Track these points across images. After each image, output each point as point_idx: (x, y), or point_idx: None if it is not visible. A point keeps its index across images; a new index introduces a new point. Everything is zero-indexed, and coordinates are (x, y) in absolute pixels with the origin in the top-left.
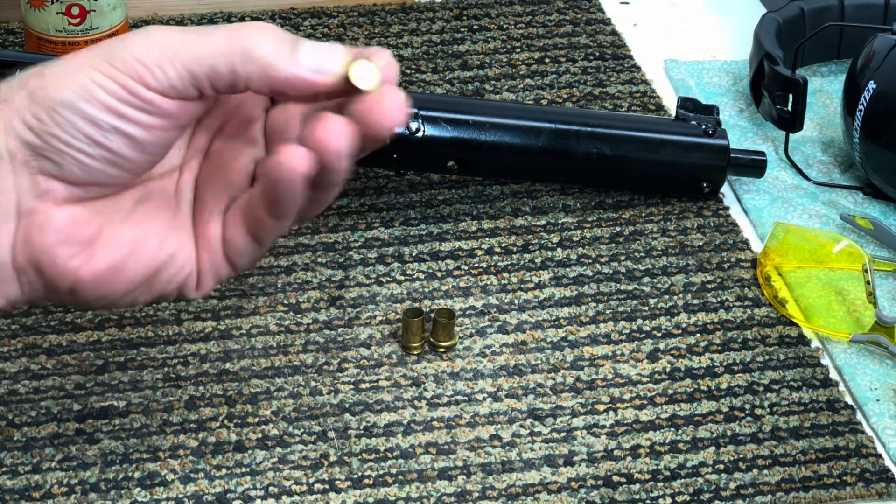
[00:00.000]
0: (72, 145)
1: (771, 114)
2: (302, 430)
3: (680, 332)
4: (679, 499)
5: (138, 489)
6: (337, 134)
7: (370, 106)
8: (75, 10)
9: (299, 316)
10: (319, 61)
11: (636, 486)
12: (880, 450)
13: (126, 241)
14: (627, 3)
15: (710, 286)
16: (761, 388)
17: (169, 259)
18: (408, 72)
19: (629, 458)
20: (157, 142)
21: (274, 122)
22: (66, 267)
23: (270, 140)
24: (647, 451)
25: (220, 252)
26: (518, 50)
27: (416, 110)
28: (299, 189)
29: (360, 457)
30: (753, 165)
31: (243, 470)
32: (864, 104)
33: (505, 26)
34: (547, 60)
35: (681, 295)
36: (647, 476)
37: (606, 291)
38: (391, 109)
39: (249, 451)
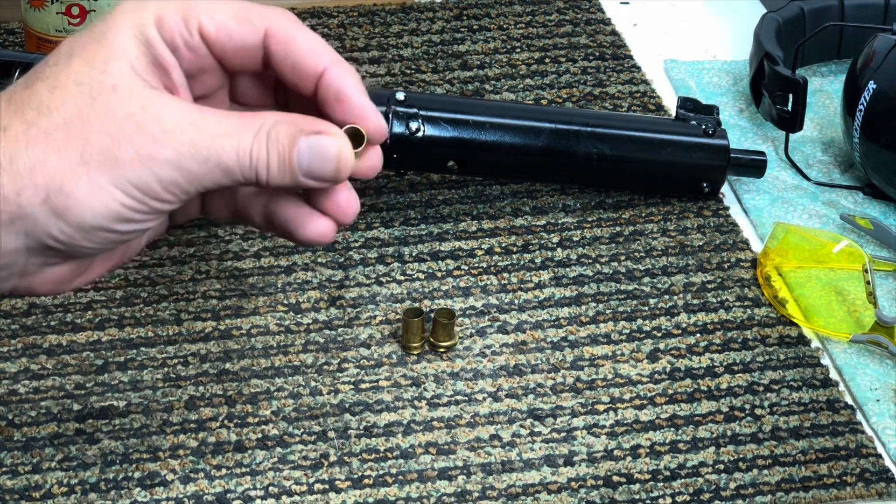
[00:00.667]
0: (97, 249)
1: (771, 114)
2: (302, 430)
3: (680, 332)
4: (679, 499)
5: (138, 489)
6: (353, 204)
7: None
8: (75, 10)
9: (299, 316)
10: (318, 174)
11: (636, 486)
12: (880, 450)
13: (115, 256)
14: (627, 3)
15: (710, 286)
16: (761, 388)
17: (147, 240)
18: (408, 72)
19: (629, 458)
20: (167, 226)
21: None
22: (64, 289)
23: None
24: (647, 451)
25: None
26: (518, 50)
27: (416, 110)
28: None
29: (360, 457)
30: (753, 165)
31: (243, 470)
32: (864, 104)
33: (505, 26)
34: (547, 60)
35: (681, 295)
36: (647, 476)
37: (606, 291)
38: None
39: (249, 451)
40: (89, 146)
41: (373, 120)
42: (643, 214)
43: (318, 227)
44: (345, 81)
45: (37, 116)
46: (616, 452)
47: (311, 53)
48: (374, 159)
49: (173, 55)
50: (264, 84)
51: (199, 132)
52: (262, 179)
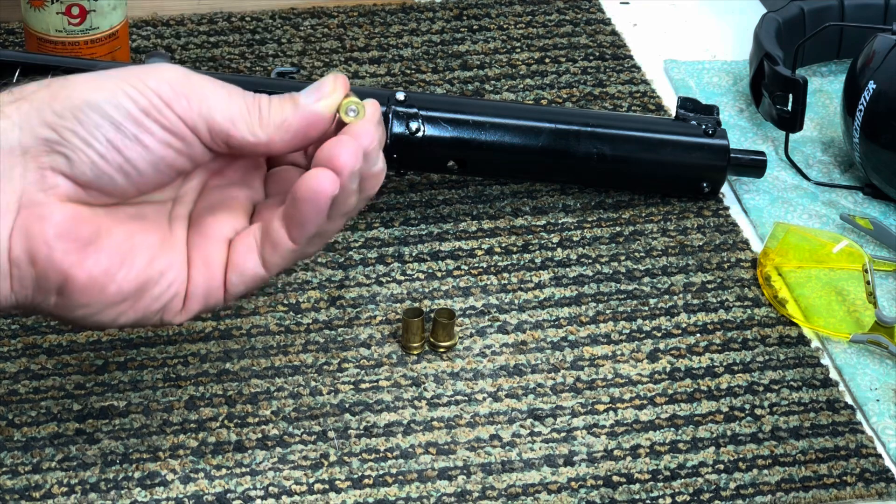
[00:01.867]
0: (90, 144)
1: (771, 114)
2: (302, 430)
3: (680, 332)
4: (679, 499)
5: (138, 489)
6: (347, 146)
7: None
8: (75, 10)
9: (299, 316)
10: (317, 94)
11: (636, 486)
12: (880, 450)
13: (120, 249)
14: (627, 3)
15: (710, 286)
16: (761, 388)
17: (159, 276)
18: (408, 72)
19: (629, 458)
20: (170, 163)
21: (275, 176)
22: (62, 261)
23: (271, 190)
24: (647, 451)
25: (219, 275)
26: (518, 50)
27: (416, 110)
28: (325, 210)
29: (360, 457)
30: (753, 165)
31: (243, 470)
32: (864, 104)
33: (505, 26)
34: (547, 60)
35: (681, 295)
36: (647, 476)
37: (606, 291)
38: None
39: (249, 451)
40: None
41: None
42: (643, 214)
43: (316, 176)
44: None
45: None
46: (616, 452)
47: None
48: (378, 164)
49: None
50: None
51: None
52: (265, 110)
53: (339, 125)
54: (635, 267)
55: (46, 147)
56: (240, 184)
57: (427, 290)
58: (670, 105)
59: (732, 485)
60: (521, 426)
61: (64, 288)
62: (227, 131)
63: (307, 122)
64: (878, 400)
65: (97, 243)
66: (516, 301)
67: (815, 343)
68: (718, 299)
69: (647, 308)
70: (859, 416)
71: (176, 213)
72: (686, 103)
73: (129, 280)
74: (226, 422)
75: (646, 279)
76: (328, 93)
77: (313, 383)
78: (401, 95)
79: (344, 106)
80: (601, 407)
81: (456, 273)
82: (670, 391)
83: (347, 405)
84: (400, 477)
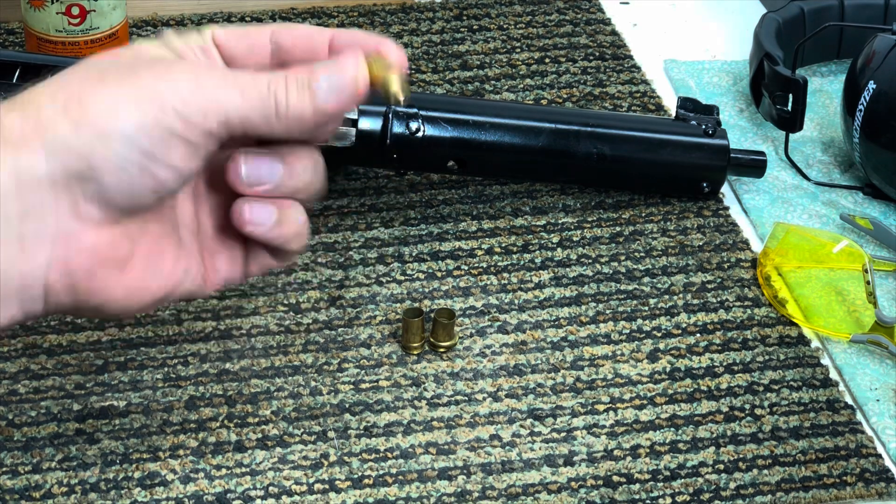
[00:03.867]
0: (123, 174)
1: (771, 114)
2: (302, 430)
3: (680, 332)
4: (679, 499)
5: (138, 489)
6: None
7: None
8: (75, 10)
9: (299, 316)
10: (339, 89)
11: (636, 486)
12: (880, 450)
13: (151, 258)
14: (627, 3)
15: (710, 286)
16: (761, 388)
17: (184, 274)
18: (408, 72)
19: (629, 458)
20: (194, 170)
21: None
22: (102, 287)
23: None
24: (647, 451)
25: (239, 262)
26: (518, 50)
27: (416, 110)
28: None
29: (360, 457)
30: (753, 165)
31: (243, 470)
32: (864, 104)
33: (505, 26)
34: (547, 60)
35: (681, 295)
36: (647, 476)
37: (606, 291)
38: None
39: (249, 451)
40: (109, 73)
41: (391, 44)
42: (643, 214)
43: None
44: (355, 33)
45: (54, 79)
46: (616, 452)
47: (317, 30)
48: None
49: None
50: None
51: (215, 65)
52: (282, 106)
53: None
54: (635, 267)
55: (77, 177)
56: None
57: (427, 290)
58: (670, 105)
59: (732, 485)
60: (521, 426)
61: (102, 306)
62: (245, 129)
63: (325, 120)
64: (878, 400)
65: (133, 258)
66: (516, 301)
67: (815, 343)
68: (718, 299)
69: (647, 308)
70: (859, 416)
71: (180, 212)
72: (686, 103)
73: (162, 287)
74: (226, 422)
75: (646, 279)
76: (349, 84)
77: (313, 383)
78: None
79: (384, 80)
80: (601, 407)
81: (456, 273)
82: (670, 391)
83: (347, 405)
84: (400, 477)
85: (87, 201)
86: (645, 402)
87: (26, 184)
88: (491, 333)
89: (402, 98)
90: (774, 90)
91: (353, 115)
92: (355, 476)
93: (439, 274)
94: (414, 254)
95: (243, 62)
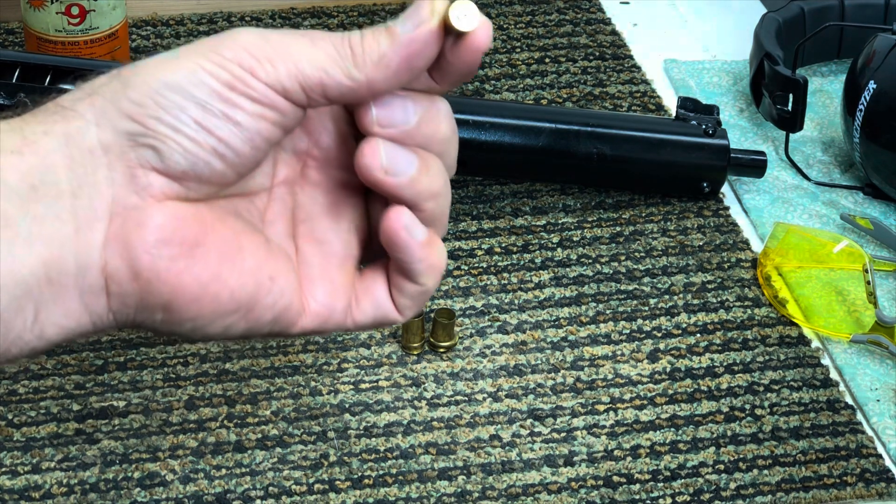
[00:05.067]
0: (178, 129)
1: (771, 114)
2: (302, 430)
3: (680, 332)
4: (679, 499)
5: (138, 489)
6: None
7: (469, 44)
8: (75, 10)
9: None
10: (415, 20)
11: (636, 487)
12: (880, 450)
13: (229, 250)
14: (627, 2)
15: (710, 286)
16: (761, 389)
17: (270, 282)
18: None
19: (629, 459)
20: (266, 136)
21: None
22: (168, 270)
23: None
24: (648, 451)
25: (345, 296)
26: (518, 50)
27: None
28: (414, 244)
29: (359, 457)
30: (753, 165)
31: (243, 470)
32: (865, 104)
33: (505, 26)
34: (547, 60)
35: (681, 295)
36: (648, 476)
37: (606, 291)
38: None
39: (249, 452)
40: (170, 55)
41: None
42: (643, 214)
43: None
44: None
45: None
46: (616, 453)
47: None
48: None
49: None
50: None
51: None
52: (357, 46)
53: (452, 34)
54: (635, 267)
55: (131, 141)
56: (342, 168)
57: None
58: (670, 105)
59: (733, 485)
60: (521, 426)
61: (172, 301)
62: (321, 80)
63: (409, 54)
64: (878, 400)
65: (205, 244)
66: (516, 301)
67: (815, 343)
68: (719, 299)
69: (647, 308)
70: (859, 417)
71: (270, 212)
72: (686, 103)
73: (242, 284)
74: (225, 422)
75: (646, 279)
76: (426, 17)
77: (313, 383)
78: None
79: (451, 14)
80: (601, 407)
81: (456, 273)
82: (670, 391)
83: (347, 405)
84: (400, 477)
85: (146, 170)
86: (645, 402)
87: (78, 153)
88: (491, 333)
89: (474, 24)
90: (775, 90)
91: None
92: (355, 476)
93: None
94: None
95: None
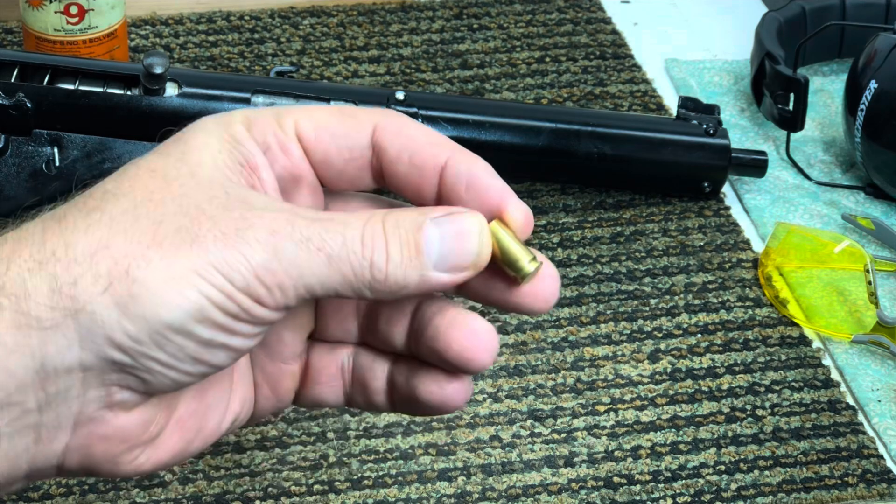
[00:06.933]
0: (173, 366)
1: (772, 113)
2: (301, 430)
3: (681, 332)
4: (680, 500)
5: (137, 490)
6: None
7: (529, 291)
8: (74, 10)
9: None
10: (453, 263)
11: (637, 487)
12: (882, 450)
13: (193, 419)
14: (628, 1)
15: (711, 286)
16: (762, 389)
17: (233, 420)
18: (407, 71)
19: (630, 459)
20: (252, 348)
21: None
22: (129, 468)
23: None
24: (648, 452)
25: (288, 399)
26: (518, 49)
27: (416, 110)
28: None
29: (359, 458)
30: (754, 165)
31: (242, 471)
32: (866, 104)
33: (505, 25)
34: (547, 60)
35: (682, 295)
36: (648, 477)
37: (607, 292)
38: (550, 292)
39: (248, 452)
40: (163, 226)
41: (517, 204)
42: (644, 214)
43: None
44: (475, 166)
45: (99, 202)
46: (617, 453)
47: (430, 144)
48: (549, 285)
49: (264, 156)
50: (369, 206)
51: (296, 215)
52: (379, 274)
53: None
54: (636, 267)
55: (115, 367)
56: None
57: None
58: (671, 104)
59: (734, 486)
60: (522, 427)
61: (127, 476)
62: (330, 298)
63: (431, 291)
64: (879, 401)
65: (167, 430)
66: None
67: (816, 343)
68: (719, 300)
69: (647, 308)
70: (861, 417)
71: None
72: (687, 103)
73: (206, 442)
74: None
75: (647, 279)
76: (467, 263)
77: None
78: (400, 95)
79: (517, 258)
80: (602, 408)
81: None
82: (671, 392)
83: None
84: (399, 478)
85: (123, 389)
86: (646, 402)
87: (51, 373)
88: None
89: (532, 273)
90: (776, 89)
91: None
92: (355, 477)
93: None
94: None
95: (332, 167)
